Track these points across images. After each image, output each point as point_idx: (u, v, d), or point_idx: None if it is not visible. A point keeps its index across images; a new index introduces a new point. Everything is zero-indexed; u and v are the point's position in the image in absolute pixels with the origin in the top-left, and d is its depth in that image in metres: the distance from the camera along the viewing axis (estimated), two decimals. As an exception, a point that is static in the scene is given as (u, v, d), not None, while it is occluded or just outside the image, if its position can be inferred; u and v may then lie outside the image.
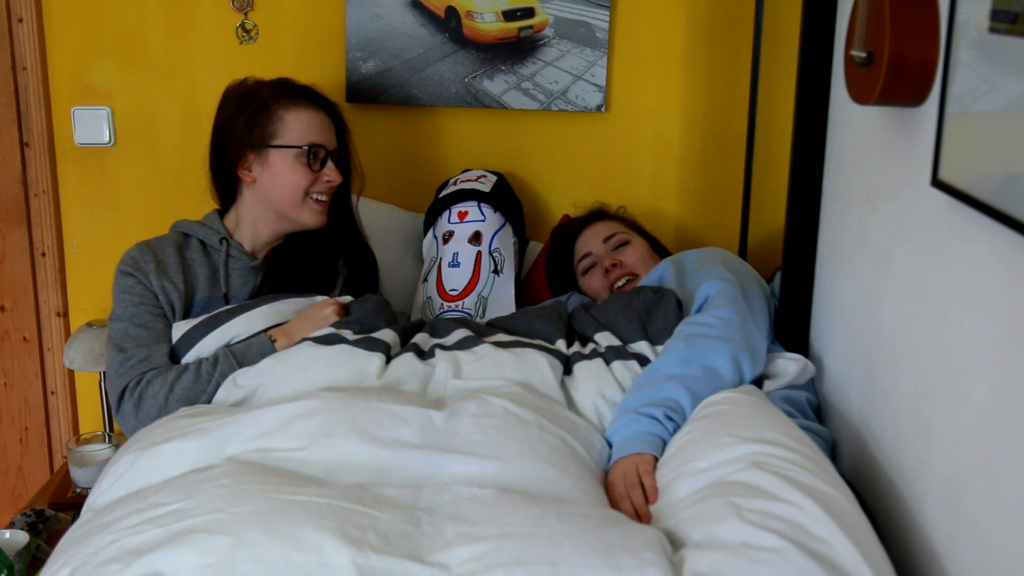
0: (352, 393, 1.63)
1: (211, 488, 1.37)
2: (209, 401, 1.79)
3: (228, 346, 1.84)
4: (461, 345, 1.84)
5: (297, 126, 1.98)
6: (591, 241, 2.29)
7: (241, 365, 1.79)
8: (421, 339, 1.88)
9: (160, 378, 1.79)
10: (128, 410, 1.80)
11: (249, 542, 1.24)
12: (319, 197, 2.01)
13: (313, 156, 1.98)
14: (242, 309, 1.91)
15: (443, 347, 1.84)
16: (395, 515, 1.33)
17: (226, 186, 2.07)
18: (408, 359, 1.79)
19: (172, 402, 1.77)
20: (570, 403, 1.75)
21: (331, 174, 2.00)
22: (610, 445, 1.69)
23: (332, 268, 2.12)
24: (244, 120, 1.99)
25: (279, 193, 2.00)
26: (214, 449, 1.53)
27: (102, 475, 1.58)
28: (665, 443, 1.67)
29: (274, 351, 1.81)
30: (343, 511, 1.31)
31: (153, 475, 1.50)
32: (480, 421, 1.57)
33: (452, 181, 2.41)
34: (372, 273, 2.18)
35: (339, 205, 2.12)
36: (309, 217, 2.02)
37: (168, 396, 1.78)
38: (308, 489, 1.37)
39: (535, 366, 1.77)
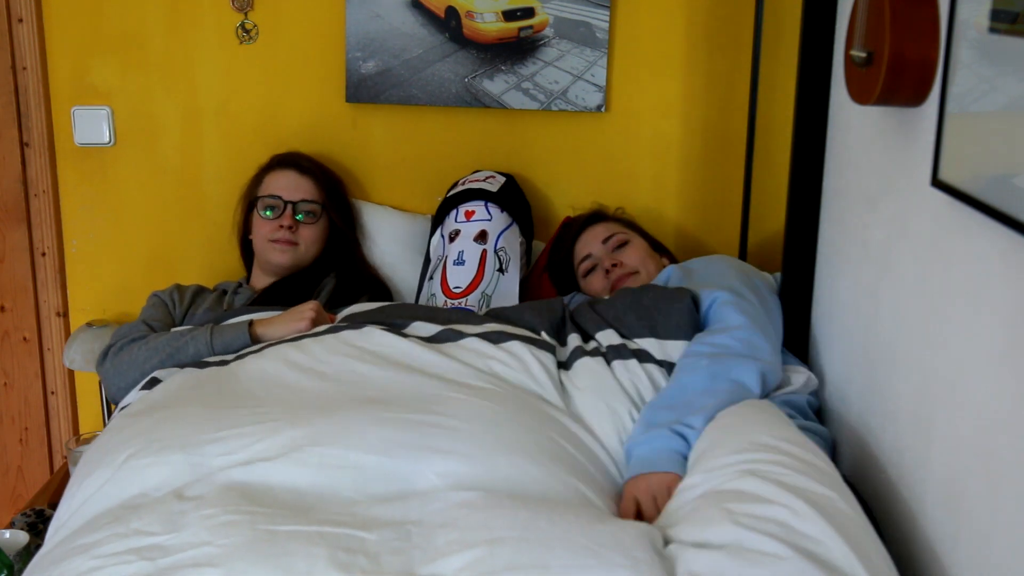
0: (333, 399, 1.63)
1: (196, 520, 1.35)
2: (188, 362, 1.91)
3: (214, 323, 2.04)
4: (443, 337, 1.84)
5: (267, 184, 2.33)
6: (591, 243, 2.29)
7: (213, 337, 1.95)
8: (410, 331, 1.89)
9: (142, 340, 2.01)
10: (107, 358, 2.00)
11: (239, 572, 1.24)
12: (278, 238, 2.28)
13: (264, 205, 2.30)
14: (236, 313, 2.12)
15: (429, 341, 1.84)
16: (385, 534, 1.33)
17: (248, 254, 2.41)
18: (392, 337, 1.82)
19: (144, 350, 1.96)
20: (567, 399, 1.74)
21: (284, 219, 2.28)
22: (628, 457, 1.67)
23: (319, 283, 2.31)
24: (247, 190, 2.38)
25: (255, 242, 2.34)
26: (192, 465, 1.51)
27: (70, 490, 1.55)
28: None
29: (248, 336, 1.95)
30: (332, 537, 1.31)
31: (127, 493, 1.48)
32: (464, 418, 1.56)
33: (461, 182, 2.40)
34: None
35: (337, 251, 2.37)
36: (272, 255, 2.29)
37: (143, 346, 1.97)
38: (296, 519, 1.36)
39: (521, 360, 1.76)
